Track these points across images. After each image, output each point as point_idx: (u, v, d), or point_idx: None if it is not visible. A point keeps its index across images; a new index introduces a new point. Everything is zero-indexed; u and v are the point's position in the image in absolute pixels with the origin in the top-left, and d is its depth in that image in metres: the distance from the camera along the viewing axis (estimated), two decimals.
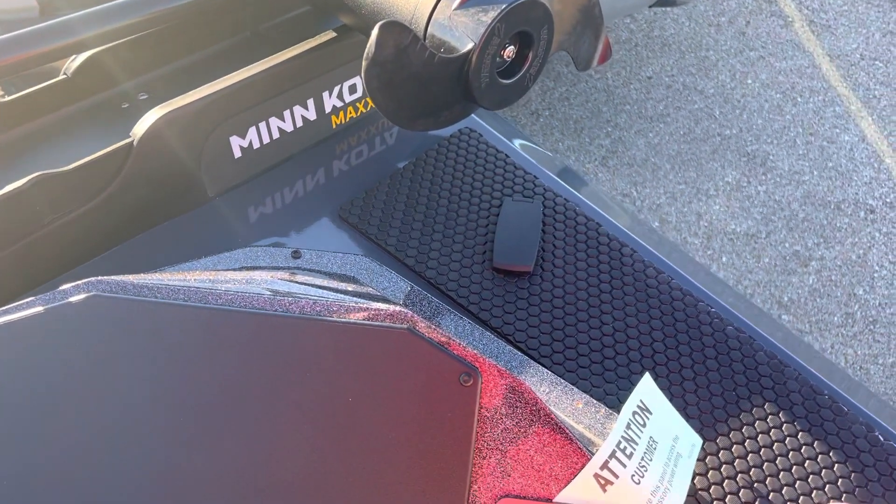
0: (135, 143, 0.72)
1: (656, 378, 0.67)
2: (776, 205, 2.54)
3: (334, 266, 0.73)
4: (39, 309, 0.58)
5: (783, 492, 0.60)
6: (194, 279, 0.62)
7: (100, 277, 0.58)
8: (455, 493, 0.55)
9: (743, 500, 0.60)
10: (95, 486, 0.56)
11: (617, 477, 0.55)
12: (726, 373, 0.67)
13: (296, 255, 0.74)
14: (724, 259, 2.33)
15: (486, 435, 0.56)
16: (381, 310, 0.58)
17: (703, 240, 2.37)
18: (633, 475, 0.55)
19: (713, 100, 2.83)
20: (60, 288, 0.58)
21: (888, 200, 2.57)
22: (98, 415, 0.56)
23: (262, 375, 0.56)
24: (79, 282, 0.58)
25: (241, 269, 0.71)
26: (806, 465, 0.61)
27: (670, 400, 0.63)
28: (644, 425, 0.58)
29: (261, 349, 0.57)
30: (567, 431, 0.56)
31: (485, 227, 0.79)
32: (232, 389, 0.56)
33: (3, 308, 0.58)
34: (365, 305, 0.58)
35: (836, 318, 2.24)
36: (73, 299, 0.57)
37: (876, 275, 2.37)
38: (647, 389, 0.60)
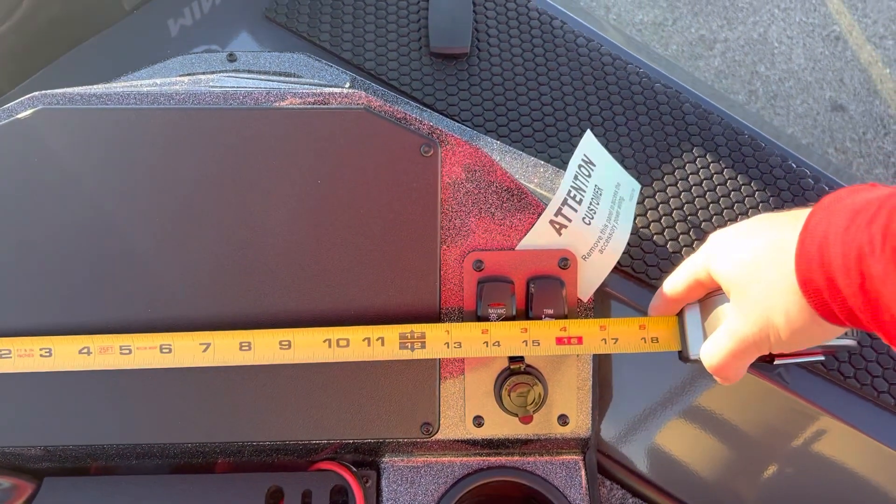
0: None
1: (595, 136, 0.72)
2: None
3: (272, 65, 0.73)
4: None
5: (713, 220, 0.68)
6: (140, 85, 0.61)
7: (44, 91, 0.57)
8: (427, 254, 0.60)
9: (679, 231, 0.67)
10: (66, 285, 0.58)
11: (570, 221, 0.60)
12: (657, 125, 0.73)
13: (231, 58, 0.73)
14: None
15: (450, 199, 0.61)
16: (335, 93, 0.59)
17: (612, 33, 2.39)
18: (584, 217, 0.61)
19: None
20: (5, 106, 0.57)
21: None
22: (69, 221, 0.57)
23: (227, 168, 0.58)
24: (23, 98, 0.57)
25: (180, 75, 0.70)
26: (731, 195, 0.69)
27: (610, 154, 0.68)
28: (589, 175, 0.63)
29: (222, 143, 0.58)
30: (522, 187, 0.61)
31: (416, 13, 0.79)
32: (198, 185, 0.58)
33: None
34: (318, 91, 0.60)
35: (740, 97, 2.35)
36: (20, 116, 0.57)
37: (776, 51, 2.47)
38: (589, 144, 0.65)
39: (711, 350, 0.51)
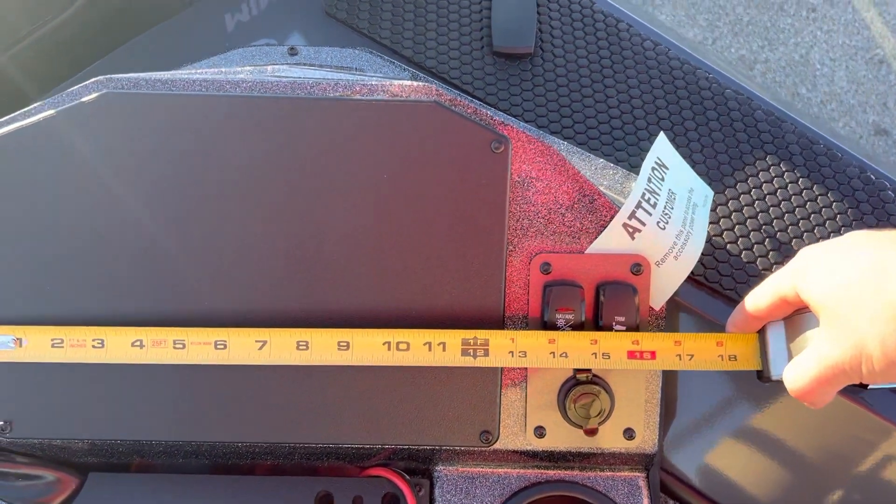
0: None
1: None
2: (721, 10, 2.54)
3: (334, 60, 0.71)
4: (51, 112, 0.56)
5: (789, 230, 0.65)
6: (204, 73, 0.60)
7: (110, 76, 0.56)
8: (493, 253, 0.58)
9: (753, 240, 0.64)
10: (132, 271, 0.56)
11: (644, 225, 0.58)
12: (728, 132, 0.70)
13: (292, 51, 0.71)
14: None
15: (519, 198, 0.58)
16: (406, 85, 0.58)
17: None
18: (659, 222, 0.58)
19: None
20: (70, 90, 0.56)
21: None
22: (133, 207, 0.56)
23: (294, 158, 0.56)
24: (88, 81, 0.56)
25: (243, 66, 0.69)
26: (808, 205, 0.66)
27: None
28: (663, 179, 0.61)
29: (289, 133, 0.56)
30: (595, 188, 0.59)
31: (478, 11, 0.78)
32: (265, 174, 0.56)
33: (12, 115, 0.56)
34: (388, 83, 0.58)
35: None
36: (85, 99, 0.56)
37: (818, 73, 2.44)
38: (662, 147, 0.62)
39: (797, 374, 0.48)
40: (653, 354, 0.55)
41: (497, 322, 0.58)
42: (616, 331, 0.57)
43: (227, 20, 0.80)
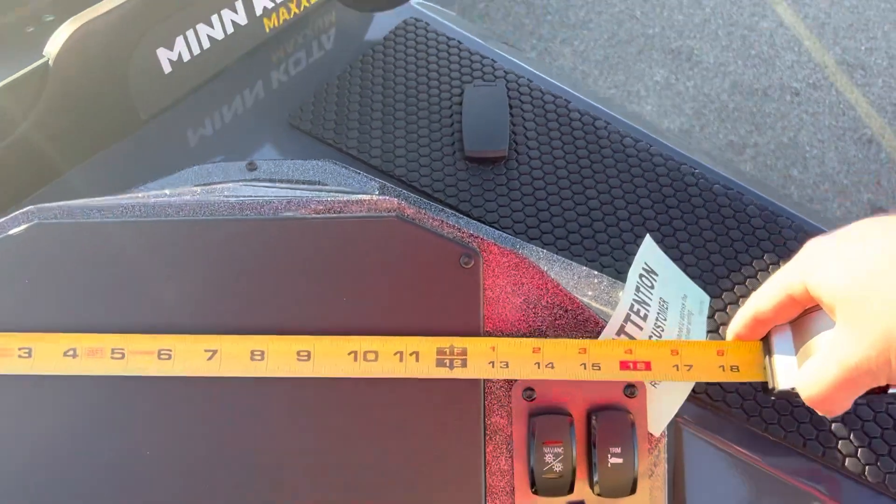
0: (50, 62, 0.64)
1: None
2: (706, 98, 2.56)
3: (296, 173, 0.67)
4: None
5: None
6: (148, 196, 0.55)
7: (40, 205, 0.51)
8: (469, 383, 0.52)
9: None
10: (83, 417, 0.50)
11: (634, 340, 0.52)
12: (720, 230, 0.65)
13: (251, 167, 0.67)
14: None
15: (494, 316, 0.53)
16: (363, 200, 0.53)
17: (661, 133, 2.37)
18: (651, 336, 0.52)
19: (632, 0, 2.80)
20: None
21: (811, 81, 2.62)
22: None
23: (240, 286, 0.51)
24: (16, 212, 0.51)
25: (195, 185, 0.64)
26: None
27: None
28: (652, 287, 0.55)
29: (235, 258, 0.51)
30: (577, 301, 0.53)
31: (449, 116, 0.74)
32: (209, 299, 0.51)
33: None
34: (344, 199, 0.53)
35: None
36: (12, 231, 0.51)
37: (807, 154, 2.43)
38: (649, 251, 0.57)
39: (813, 379, 0.42)
40: (647, 365, 0.50)
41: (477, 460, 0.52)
42: (612, 465, 0.51)
43: (189, 135, 0.77)
